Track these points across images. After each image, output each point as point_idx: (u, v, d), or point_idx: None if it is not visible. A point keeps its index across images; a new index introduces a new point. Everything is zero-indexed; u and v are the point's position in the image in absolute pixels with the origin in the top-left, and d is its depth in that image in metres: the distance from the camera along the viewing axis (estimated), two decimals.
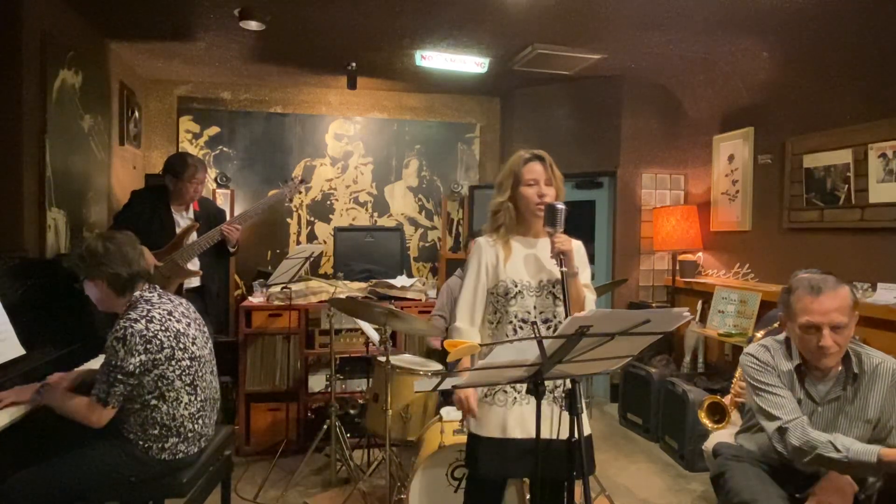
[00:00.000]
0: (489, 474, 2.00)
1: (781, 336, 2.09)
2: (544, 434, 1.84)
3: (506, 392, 1.96)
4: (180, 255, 3.16)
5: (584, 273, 2.03)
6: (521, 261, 2.01)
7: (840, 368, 1.94)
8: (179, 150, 4.86)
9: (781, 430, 1.88)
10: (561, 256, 1.85)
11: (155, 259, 3.05)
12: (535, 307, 1.98)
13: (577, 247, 1.99)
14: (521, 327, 1.98)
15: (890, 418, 1.91)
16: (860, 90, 3.35)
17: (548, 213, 1.89)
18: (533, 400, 1.86)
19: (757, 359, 2.03)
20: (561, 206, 1.89)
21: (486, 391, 1.99)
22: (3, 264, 2.52)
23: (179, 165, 3.29)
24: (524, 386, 1.92)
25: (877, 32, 3.17)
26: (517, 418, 1.94)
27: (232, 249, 3.44)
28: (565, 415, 1.77)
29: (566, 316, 1.91)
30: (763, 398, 1.96)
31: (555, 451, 1.83)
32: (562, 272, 1.85)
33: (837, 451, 1.77)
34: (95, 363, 2.59)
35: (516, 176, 2.01)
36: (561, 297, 1.93)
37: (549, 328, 1.98)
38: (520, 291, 1.98)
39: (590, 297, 2.02)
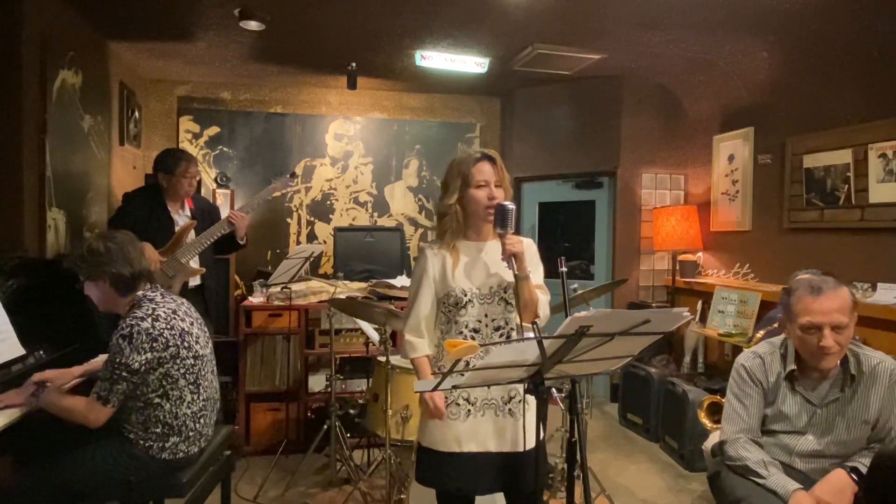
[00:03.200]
0: (440, 487, 1.95)
1: (778, 339, 2.09)
2: (499, 448, 1.86)
3: (458, 405, 1.88)
4: (182, 254, 3.16)
5: (535, 273, 1.94)
6: (470, 267, 1.92)
7: (838, 370, 1.94)
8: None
9: (722, 442, 2.03)
10: (512, 259, 1.78)
11: (158, 255, 3.04)
12: (486, 314, 1.90)
13: (527, 245, 1.92)
14: (472, 336, 1.89)
15: (889, 419, 1.91)
16: (860, 90, 3.35)
17: (498, 215, 1.80)
18: (488, 412, 1.89)
19: (744, 367, 2.06)
20: (511, 206, 1.80)
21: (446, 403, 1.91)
22: (3, 264, 2.52)
23: (171, 161, 3.27)
24: (478, 398, 1.88)
25: (877, 32, 3.17)
26: (473, 431, 1.87)
27: (241, 241, 3.40)
28: (520, 426, 1.79)
29: (520, 321, 1.87)
30: (727, 405, 2.08)
31: (519, 465, 1.84)
32: (515, 275, 1.79)
33: (763, 470, 1.87)
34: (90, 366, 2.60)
35: (465, 177, 1.89)
36: (513, 301, 1.86)
37: (501, 335, 1.89)
38: (469, 300, 1.89)
39: (543, 299, 1.91)
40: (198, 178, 3.44)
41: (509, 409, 1.89)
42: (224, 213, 3.53)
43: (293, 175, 3.66)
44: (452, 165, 1.96)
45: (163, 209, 3.31)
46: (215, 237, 3.25)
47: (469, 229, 1.96)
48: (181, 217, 3.37)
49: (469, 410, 1.89)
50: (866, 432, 1.93)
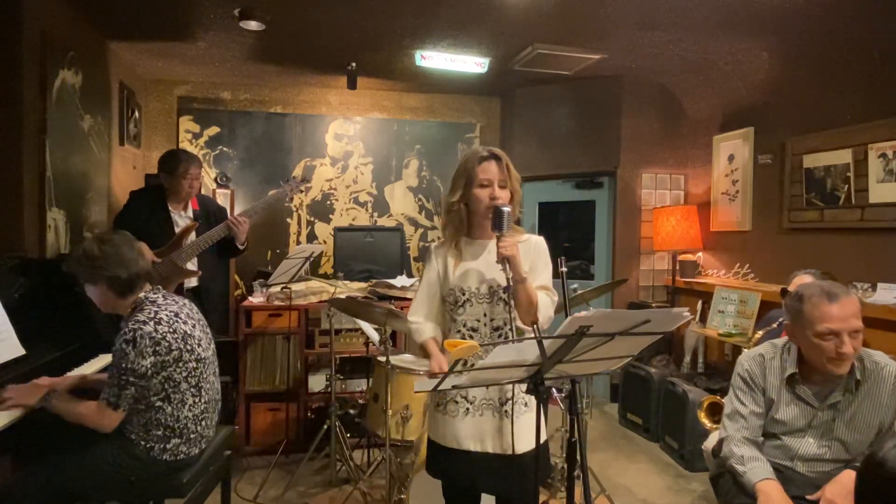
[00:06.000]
0: (444, 479, 1.99)
1: (780, 341, 2.08)
2: (495, 449, 1.85)
3: (456, 402, 1.88)
4: (179, 256, 3.15)
5: (543, 274, 1.92)
6: (471, 266, 1.91)
7: (844, 374, 1.93)
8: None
9: (721, 439, 2.07)
10: (505, 262, 1.76)
11: (154, 256, 3.04)
12: (485, 314, 1.89)
13: (535, 245, 1.93)
14: (470, 336, 1.88)
15: (893, 423, 1.89)
16: (860, 90, 3.35)
17: (494, 217, 1.79)
18: (486, 411, 1.88)
19: (746, 369, 2.07)
20: (507, 208, 1.78)
21: (437, 400, 1.92)
22: (3, 264, 2.52)
23: (171, 162, 3.28)
24: (476, 397, 1.88)
25: (877, 32, 3.17)
26: (471, 430, 1.87)
27: (241, 247, 3.40)
28: (517, 427, 1.80)
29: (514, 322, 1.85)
30: (728, 402, 2.10)
31: (517, 466, 1.82)
32: (508, 279, 1.76)
33: (741, 467, 1.92)
34: (88, 367, 2.60)
35: (469, 175, 1.88)
36: (511, 302, 1.84)
37: (500, 335, 1.87)
38: (468, 299, 1.89)
39: (545, 301, 1.87)
40: (200, 180, 3.44)
41: (505, 411, 1.87)
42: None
43: (304, 180, 3.66)
44: (460, 163, 1.95)
45: (163, 209, 3.31)
46: (213, 240, 3.24)
47: (473, 228, 1.95)
48: (182, 218, 3.37)
49: (468, 409, 1.89)
50: (869, 436, 1.92)
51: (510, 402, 1.87)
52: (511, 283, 1.76)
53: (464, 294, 1.90)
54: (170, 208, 3.34)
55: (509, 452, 1.85)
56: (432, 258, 1.99)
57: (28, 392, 2.08)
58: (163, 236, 3.19)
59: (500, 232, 1.78)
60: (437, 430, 1.96)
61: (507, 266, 1.76)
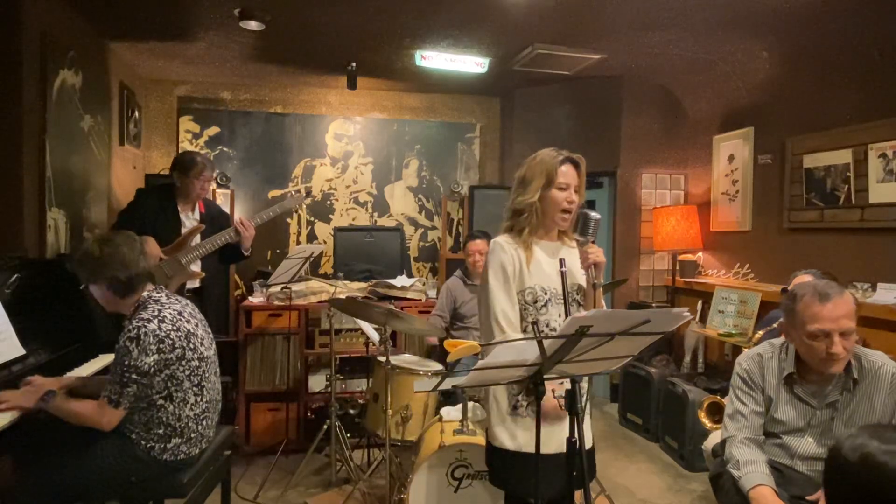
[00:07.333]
0: (525, 491, 1.81)
1: (779, 340, 2.08)
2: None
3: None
4: (184, 256, 3.15)
5: None
6: (546, 267, 1.91)
7: (840, 373, 1.94)
8: (180, 150, 4.88)
9: (723, 440, 2.05)
10: (592, 267, 1.81)
11: (160, 251, 3.04)
12: (559, 314, 1.89)
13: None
14: None
15: (891, 422, 1.89)
16: (860, 90, 3.35)
17: (581, 222, 1.81)
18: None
19: (744, 369, 2.07)
20: (596, 215, 1.80)
21: (513, 403, 1.85)
22: (3, 264, 2.52)
23: (188, 162, 3.27)
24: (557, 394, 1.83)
25: (877, 32, 3.17)
26: (559, 431, 1.77)
27: (246, 253, 3.39)
28: (586, 423, 1.75)
29: None
30: (729, 403, 2.10)
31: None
32: (593, 283, 1.83)
33: (737, 471, 1.90)
34: (88, 367, 2.60)
35: (549, 177, 1.90)
36: (584, 304, 1.90)
37: None
38: (549, 299, 1.88)
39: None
40: (211, 184, 3.44)
41: (581, 407, 1.78)
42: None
43: (309, 194, 3.68)
44: (536, 163, 1.95)
45: (173, 208, 3.31)
46: (220, 243, 3.24)
47: (542, 229, 1.96)
48: (190, 219, 3.37)
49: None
50: None
51: (582, 397, 1.74)
52: (594, 287, 1.84)
53: (545, 293, 1.89)
54: (179, 208, 3.34)
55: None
56: (505, 253, 1.90)
57: (24, 394, 2.07)
58: (170, 234, 3.18)
59: (585, 237, 1.81)
60: (514, 436, 1.83)
61: (593, 271, 1.83)
